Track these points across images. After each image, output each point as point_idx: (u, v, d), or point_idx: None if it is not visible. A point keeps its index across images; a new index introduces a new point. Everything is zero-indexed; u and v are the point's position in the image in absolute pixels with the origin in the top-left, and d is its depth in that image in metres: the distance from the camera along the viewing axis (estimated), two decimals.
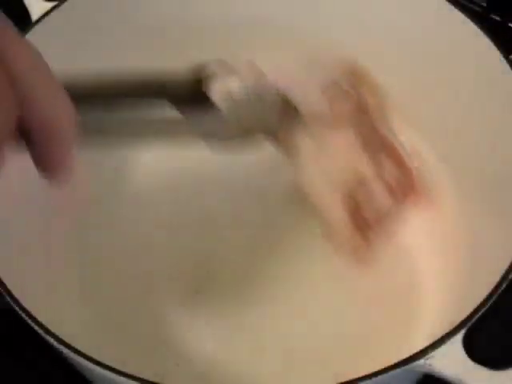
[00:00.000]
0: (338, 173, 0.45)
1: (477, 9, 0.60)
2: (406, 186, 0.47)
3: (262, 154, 0.44)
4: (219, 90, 0.37)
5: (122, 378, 0.33)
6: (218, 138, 0.38)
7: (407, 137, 0.53)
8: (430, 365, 0.34)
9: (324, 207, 0.45)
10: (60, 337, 0.35)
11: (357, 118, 0.46)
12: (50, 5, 0.48)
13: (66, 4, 0.48)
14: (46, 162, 0.29)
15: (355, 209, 0.45)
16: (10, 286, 0.37)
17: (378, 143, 0.48)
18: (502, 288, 0.36)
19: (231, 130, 0.39)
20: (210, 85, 0.37)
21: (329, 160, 0.45)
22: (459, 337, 0.34)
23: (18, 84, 0.26)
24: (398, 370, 0.34)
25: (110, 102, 0.34)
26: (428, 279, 0.47)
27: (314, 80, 0.46)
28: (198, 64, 0.37)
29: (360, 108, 0.47)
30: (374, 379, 0.33)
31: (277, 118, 0.42)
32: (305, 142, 0.44)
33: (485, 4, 0.60)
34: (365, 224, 0.45)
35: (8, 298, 0.36)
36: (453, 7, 0.47)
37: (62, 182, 0.30)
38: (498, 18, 0.60)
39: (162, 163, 0.53)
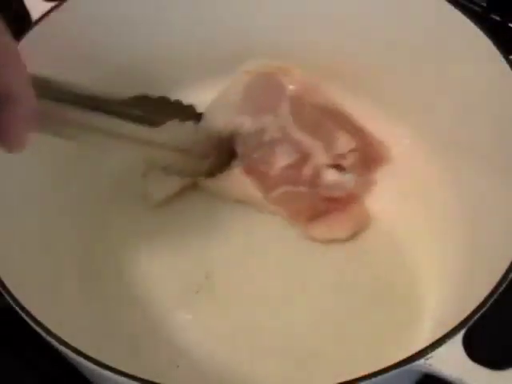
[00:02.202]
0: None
1: (477, 9, 0.60)
2: (364, 153, 0.51)
3: None
4: None
5: (122, 378, 0.33)
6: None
7: (406, 137, 0.53)
8: (430, 365, 0.34)
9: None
10: (60, 337, 0.35)
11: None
12: (50, 5, 0.48)
13: (65, 4, 0.48)
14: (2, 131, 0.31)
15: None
16: (9, 286, 0.37)
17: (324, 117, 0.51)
18: (502, 288, 0.36)
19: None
20: None
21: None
22: (459, 337, 0.34)
23: None
24: (398, 370, 0.34)
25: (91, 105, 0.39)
26: (428, 279, 0.47)
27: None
28: None
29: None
30: (373, 379, 0.33)
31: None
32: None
33: (485, 4, 0.60)
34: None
35: (8, 298, 0.36)
36: (453, 7, 0.47)
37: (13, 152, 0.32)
38: (498, 18, 0.60)
39: None
